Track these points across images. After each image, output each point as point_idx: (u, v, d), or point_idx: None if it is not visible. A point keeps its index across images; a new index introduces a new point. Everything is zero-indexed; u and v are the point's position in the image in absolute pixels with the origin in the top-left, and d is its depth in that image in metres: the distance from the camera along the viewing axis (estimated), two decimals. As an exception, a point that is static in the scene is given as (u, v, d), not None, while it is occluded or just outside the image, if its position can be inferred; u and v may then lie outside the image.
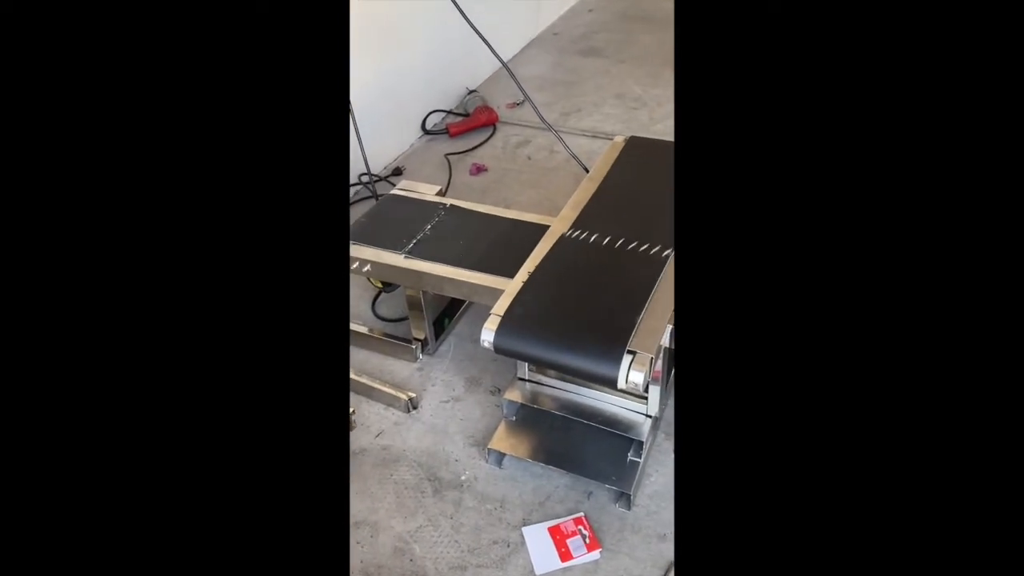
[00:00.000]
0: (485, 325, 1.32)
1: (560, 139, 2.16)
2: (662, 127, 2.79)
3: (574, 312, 1.34)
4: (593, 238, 1.52)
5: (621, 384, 1.23)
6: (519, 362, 1.56)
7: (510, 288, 1.40)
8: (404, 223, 1.74)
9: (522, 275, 1.43)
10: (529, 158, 2.65)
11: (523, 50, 3.50)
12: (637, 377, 1.21)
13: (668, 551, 1.36)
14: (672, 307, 1.34)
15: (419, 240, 1.68)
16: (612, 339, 1.26)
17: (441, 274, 1.58)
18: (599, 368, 1.24)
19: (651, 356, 1.23)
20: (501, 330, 1.31)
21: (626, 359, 1.23)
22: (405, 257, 1.63)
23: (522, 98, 2.84)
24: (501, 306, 1.36)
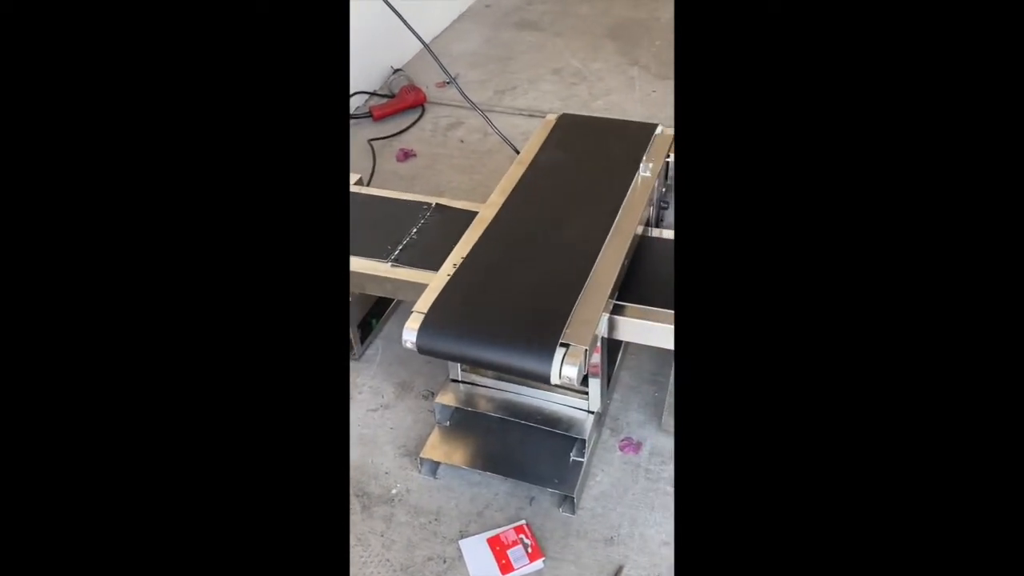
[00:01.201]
0: (407, 324, 1.31)
1: (488, 120, 2.15)
2: (603, 103, 2.81)
3: (503, 305, 1.34)
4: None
5: (554, 379, 1.23)
6: (452, 363, 1.55)
7: (434, 282, 1.39)
8: (386, 227, 1.67)
9: (447, 268, 1.42)
10: (462, 141, 2.63)
11: (453, 24, 3.48)
12: (571, 371, 1.22)
13: (616, 555, 1.37)
14: (608, 294, 1.35)
15: (405, 246, 1.62)
16: (543, 332, 1.26)
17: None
18: (530, 364, 1.24)
19: (585, 348, 1.24)
20: (424, 329, 1.30)
21: (559, 352, 1.23)
22: (392, 266, 1.57)
23: (453, 75, 2.82)
24: (424, 302, 1.34)
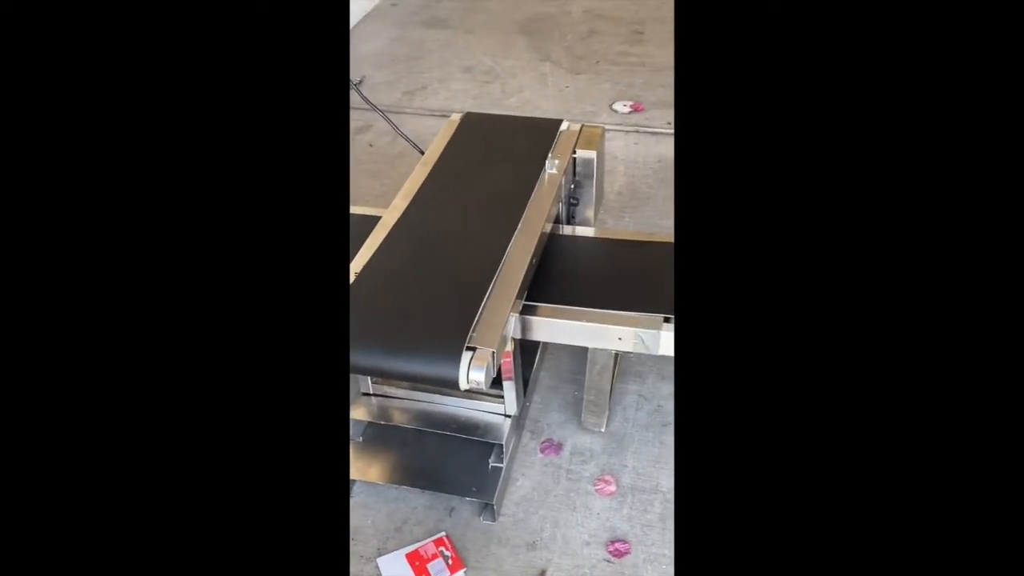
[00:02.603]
0: (307, 337, 1.30)
1: (391, 123, 2.16)
2: (516, 100, 2.85)
3: (407, 312, 1.35)
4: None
5: (463, 384, 1.25)
6: (361, 375, 1.55)
7: (336, 293, 1.39)
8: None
9: (348, 276, 1.43)
10: (370, 145, 2.63)
11: (358, 24, 3.47)
12: (478, 375, 1.24)
13: (537, 559, 1.40)
14: (515, 294, 1.38)
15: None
16: (449, 337, 1.28)
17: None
18: (436, 370, 1.26)
19: (492, 350, 1.26)
20: (325, 341, 1.30)
21: (465, 356, 1.25)
22: None
23: (357, 79, 2.82)
24: (325, 314, 1.34)
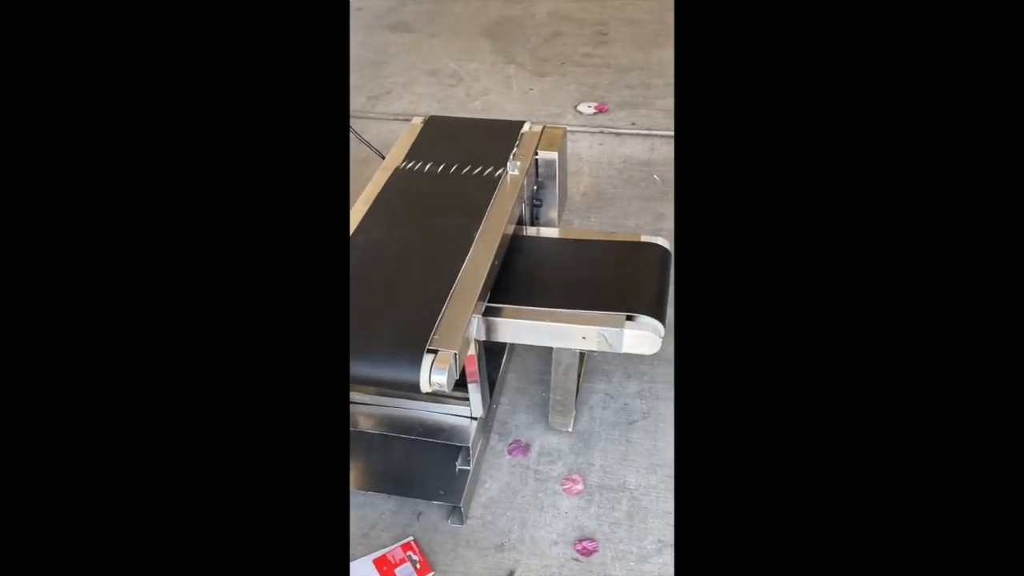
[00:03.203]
0: (267, 344, 1.30)
1: (351, 128, 2.16)
2: (480, 104, 2.87)
3: (368, 316, 1.36)
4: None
5: (424, 387, 1.26)
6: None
7: (296, 299, 1.39)
8: None
9: (310, 282, 1.43)
10: (335, 151, 2.63)
11: (321, 29, 3.47)
12: (440, 377, 1.25)
13: (506, 560, 1.41)
14: (477, 296, 1.39)
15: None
16: (409, 340, 1.29)
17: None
18: (398, 373, 1.26)
19: (454, 352, 1.27)
20: (286, 347, 1.30)
21: (427, 359, 1.26)
22: None
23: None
24: (285, 320, 1.34)
